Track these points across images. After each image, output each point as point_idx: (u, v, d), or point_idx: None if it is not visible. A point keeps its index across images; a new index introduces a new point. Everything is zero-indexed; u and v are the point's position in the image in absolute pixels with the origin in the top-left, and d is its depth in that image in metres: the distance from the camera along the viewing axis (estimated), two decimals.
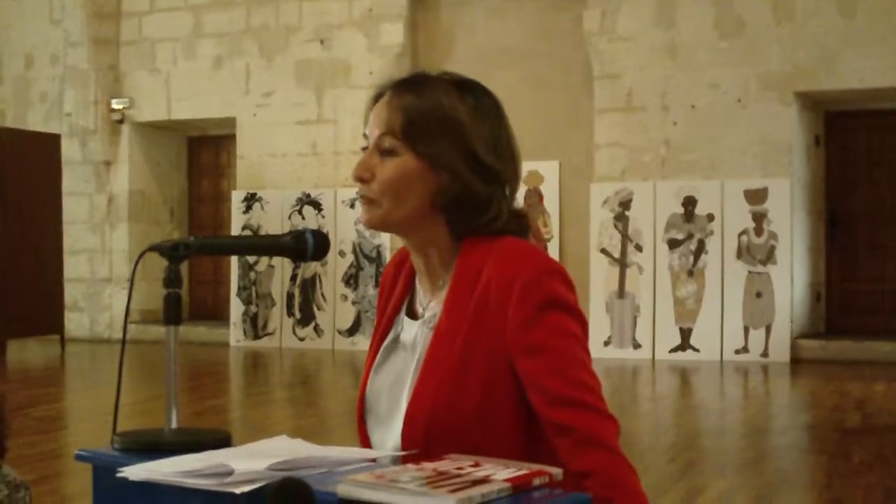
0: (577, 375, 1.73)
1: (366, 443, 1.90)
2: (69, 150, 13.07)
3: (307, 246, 1.85)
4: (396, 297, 1.94)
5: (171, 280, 1.79)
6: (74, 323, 13.29)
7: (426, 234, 1.84)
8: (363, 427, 1.90)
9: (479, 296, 1.76)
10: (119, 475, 1.57)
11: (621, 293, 10.94)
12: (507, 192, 1.86)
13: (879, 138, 11.15)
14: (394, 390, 1.86)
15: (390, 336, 1.91)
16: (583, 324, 1.79)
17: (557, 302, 1.75)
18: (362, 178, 1.81)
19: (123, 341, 1.91)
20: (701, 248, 10.78)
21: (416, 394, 1.77)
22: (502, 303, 1.74)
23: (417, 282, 1.93)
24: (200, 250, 1.82)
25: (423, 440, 1.73)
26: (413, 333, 1.87)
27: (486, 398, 1.73)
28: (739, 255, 10.66)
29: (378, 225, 1.83)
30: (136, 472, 1.55)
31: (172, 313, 1.79)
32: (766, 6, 10.70)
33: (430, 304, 1.87)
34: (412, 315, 1.91)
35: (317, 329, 12.18)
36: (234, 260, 12.47)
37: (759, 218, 10.60)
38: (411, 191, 1.79)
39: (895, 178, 11.04)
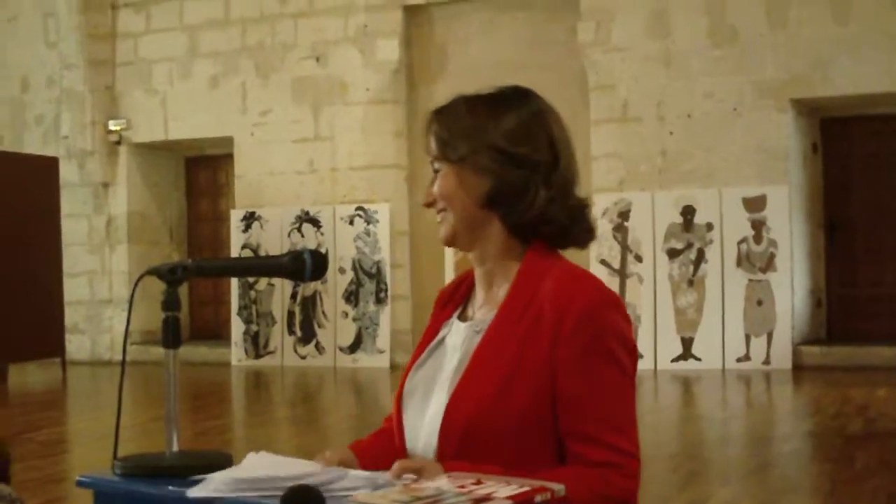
0: (610, 410, 1.79)
1: (399, 437, 1.95)
2: (67, 172, 13.07)
3: (305, 266, 1.86)
4: (451, 306, 2.03)
5: (170, 303, 1.79)
6: (75, 345, 13.28)
7: (484, 236, 1.94)
8: (400, 421, 1.96)
9: (534, 313, 1.83)
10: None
11: None
12: (547, 177, 1.90)
13: (876, 143, 11.15)
14: (426, 386, 1.93)
15: (437, 338, 1.99)
16: (633, 357, 1.85)
17: (612, 333, 1.81)
18: (427, 203, 1.98)
19: (123, 364, 1.92)
20: (700, 257, 10.77)
21: (457, 392, 1.83)
22: (555, 326, 1.80)
23: (476, 292, 2.01)
24: (198, 273, 1.82)
25: (459, 441, 1.79)
26: (461, 336, 1.94)
27: (530, 412, 1.78)
28: (739, 263, 10.65)
29: (450, 237, 1.96)
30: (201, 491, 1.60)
31: (171, 337, 1.79)
32: (760, 14, 10.71)
33: (482, 309, 1.95)
34: (464, 320, 1.99)
35: (318, 347, 12.16)
36: (234, 279, 12.46)
37: (757, 225, 10.60)
38: (458, 195, 1.93)
39: (893, 183, 11.04)
